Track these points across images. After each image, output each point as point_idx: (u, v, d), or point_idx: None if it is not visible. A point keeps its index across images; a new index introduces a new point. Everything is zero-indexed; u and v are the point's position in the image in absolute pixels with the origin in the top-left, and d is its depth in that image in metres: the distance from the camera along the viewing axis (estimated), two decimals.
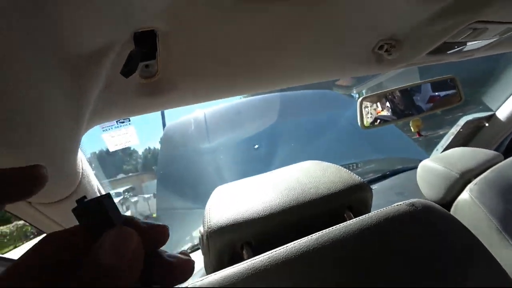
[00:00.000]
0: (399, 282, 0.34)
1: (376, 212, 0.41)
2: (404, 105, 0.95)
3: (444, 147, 1.28)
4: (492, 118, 1.19)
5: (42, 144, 0.33)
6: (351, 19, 0.48)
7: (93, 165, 0.63)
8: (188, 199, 1.34)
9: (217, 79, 0.53)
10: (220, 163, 1.47)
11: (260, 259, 0.36)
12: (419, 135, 0.98)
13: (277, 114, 1.47)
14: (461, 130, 1.18)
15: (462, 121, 1.17)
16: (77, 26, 0.26)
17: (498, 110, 1.17)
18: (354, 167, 1.55)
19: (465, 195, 0.76)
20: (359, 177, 0.52)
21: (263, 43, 0.46)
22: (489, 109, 1.22)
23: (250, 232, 0.45)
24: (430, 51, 0.62)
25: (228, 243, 0.45)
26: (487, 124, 1.20)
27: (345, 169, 0.56)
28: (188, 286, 0.33)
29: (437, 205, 0.43)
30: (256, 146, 1.48)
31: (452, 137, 1.22)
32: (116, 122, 0.61)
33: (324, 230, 0.39)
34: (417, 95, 0.96)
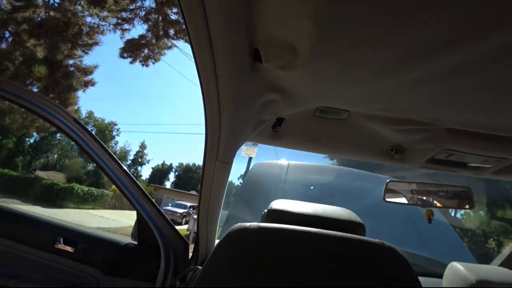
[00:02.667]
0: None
1: (357, 236, 0.61)
2: (422, 195, 1.22)
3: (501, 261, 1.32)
4: None
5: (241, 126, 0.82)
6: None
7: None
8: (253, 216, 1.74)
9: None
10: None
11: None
12: (429, 222, 1.23)
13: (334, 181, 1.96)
14: None
15: None
16: None
17: None
18: None
19: None
20: (357, 217, 0.74)
21: None
22: None
23: (288, 219, 0.70)
24: (428, 160, 0.91)
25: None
26: None
27: (353, 212, 0.77)
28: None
29: (399, 251, 0.58)
30: (312, 188, 1.96)
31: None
32: (252, 144, 1.12)
33: (324, 230, 0.61)
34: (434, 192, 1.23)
